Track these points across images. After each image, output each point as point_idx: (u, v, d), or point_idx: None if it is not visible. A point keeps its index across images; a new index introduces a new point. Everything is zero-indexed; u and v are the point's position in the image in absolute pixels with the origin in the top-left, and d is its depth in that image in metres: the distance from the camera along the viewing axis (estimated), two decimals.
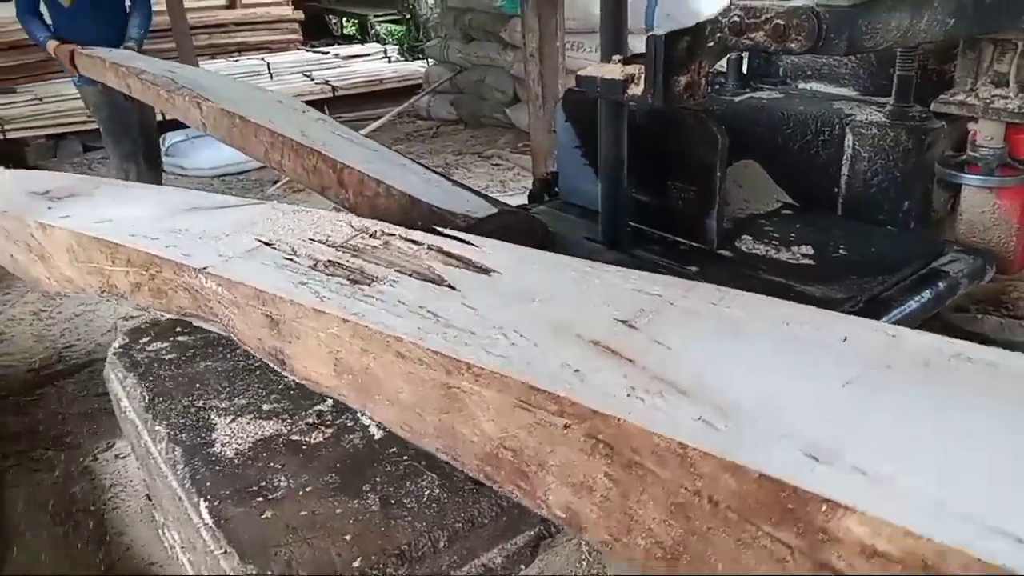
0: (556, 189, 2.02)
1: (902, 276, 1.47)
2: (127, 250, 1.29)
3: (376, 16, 10.23)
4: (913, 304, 1.40)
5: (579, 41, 5.47)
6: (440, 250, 1.04)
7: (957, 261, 1.54)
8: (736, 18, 1.30)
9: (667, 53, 1.32)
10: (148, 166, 4.13)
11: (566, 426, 0.70)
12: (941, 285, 1.46)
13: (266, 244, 1.12)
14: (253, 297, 1.02)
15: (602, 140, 1.57)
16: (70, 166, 6.03)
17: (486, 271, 0.97)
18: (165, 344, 1.36)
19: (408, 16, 9.89)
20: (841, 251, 1.55)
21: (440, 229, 1.10)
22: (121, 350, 1.37)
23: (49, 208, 1.52)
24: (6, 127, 6.19)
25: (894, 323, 1.37)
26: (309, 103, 7.96)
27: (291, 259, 1.07)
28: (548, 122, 4.04)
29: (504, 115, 6.54)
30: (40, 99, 6.63)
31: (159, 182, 4.35)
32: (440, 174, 1.59)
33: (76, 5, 3.76)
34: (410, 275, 0.98)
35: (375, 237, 1.10)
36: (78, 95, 4.87)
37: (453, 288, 0.93)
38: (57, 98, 6.54)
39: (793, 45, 1.25)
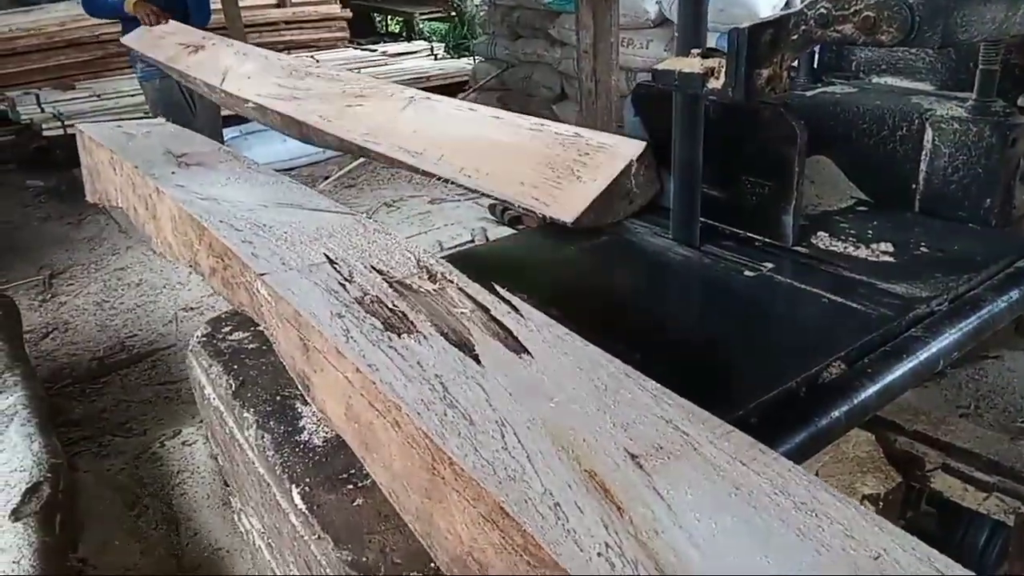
0: None
1: (988, 275, 1.43)
2: (210, 235, 1.33)
3: (422, 14, 10.29)
4: (1001, 304, 1.36)
5: (629, 37, 5.43)
6: (486, 311, 1.02)
7: None
8: (823, 10, 1.28)
9: (750, 45, 1.31)
10: None
11: (529, 563, 0.64)
12: None
13: (331, 262, 1.15)
14: (292, 317, 1.04)
15: (677, 135, 1.55)
16: None
17: (519, 351, 0.92)
18: (247, 334, 1.39)
19: (454, 14, 9.94)
20: (923, 248, 1.52)
21: (499, 289, 1.07)
22: (204, 338, 1.39)
23: (173, 173, 1.63)
24: (66, 122, 6.35)
25: (982, 322, 1.34)
26: None
27: (344, 284, 1.08)
28: (600, 118, 4.02)
29: (551, 111, 6.53)
30: (98, 96, 6.81)
31: None
32: None
33: None
34: (444, 334, 0.96)
35: (434, 280, 1.10)
36: (136, 91, 5.01)
37: (478, 361, 0.90)
38: (115, 95, 6.72)
39: (884, 37, 1.22)
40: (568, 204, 1.32)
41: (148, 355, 3.38)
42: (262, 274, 1.12)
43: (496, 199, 1.44)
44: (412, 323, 1.00)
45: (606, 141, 1.45)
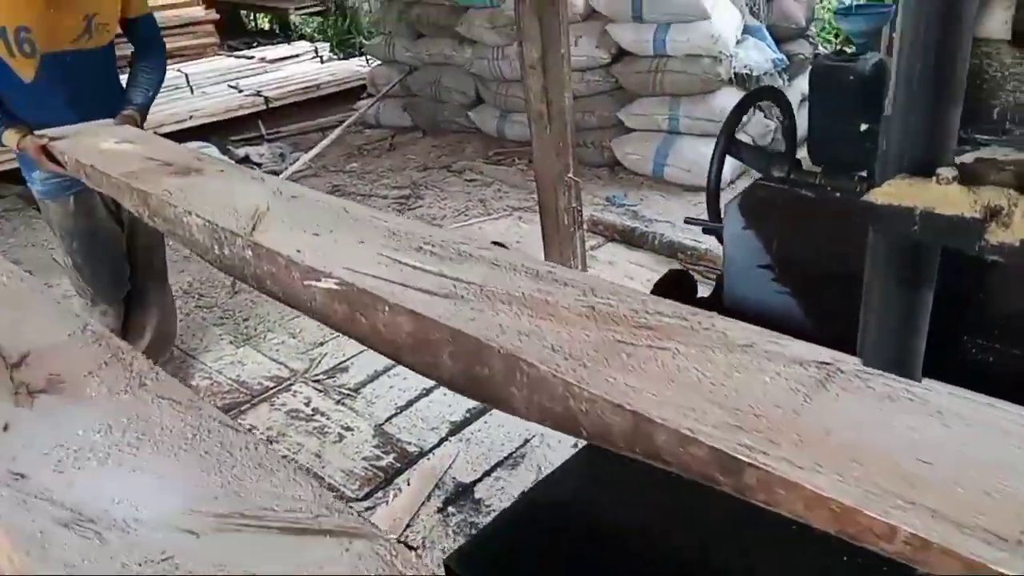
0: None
1: None
2: None
3: (297, 8, 9.32)
4: None
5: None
6: None
7: None
8: None
9: None
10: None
11: None
12: None
13: None
14: None
15: (877, 284, 0.95)
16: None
17: None
18: None
19: (334, 6, 9.02)
20: None
21: None
22: None
23: (5, 429, 0.91)
24: None
25: None
26: (239, 119, 7.00)
27: None
28: (556, 144, 3.40)
29: (467, 119, 5.85)
30: None
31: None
32: None
33: (42, 80, 2.42)
34: None
35: None
36: None
37: None
38: None
39: None
40: None
41: None
42: None
43: None
44: None
45: None
